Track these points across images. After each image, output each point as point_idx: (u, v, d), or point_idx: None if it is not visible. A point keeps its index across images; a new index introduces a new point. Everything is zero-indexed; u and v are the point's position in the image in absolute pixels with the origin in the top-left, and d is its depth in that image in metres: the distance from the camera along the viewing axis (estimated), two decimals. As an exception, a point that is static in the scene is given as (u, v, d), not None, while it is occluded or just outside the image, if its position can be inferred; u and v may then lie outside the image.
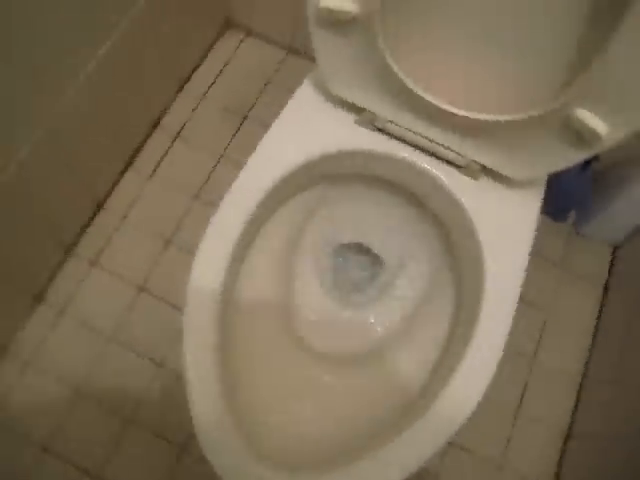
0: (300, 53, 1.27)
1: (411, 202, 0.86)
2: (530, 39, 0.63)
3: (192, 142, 1.19)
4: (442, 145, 0.76)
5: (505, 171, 0.75)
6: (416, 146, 0.77)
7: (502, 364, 0.67)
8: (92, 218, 1.11)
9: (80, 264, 1.07)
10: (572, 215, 1.20)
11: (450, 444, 1.00)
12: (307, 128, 0.77)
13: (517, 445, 1.02)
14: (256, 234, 0.77)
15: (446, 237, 0.84)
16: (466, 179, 0.78)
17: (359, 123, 0.78)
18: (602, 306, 1.16)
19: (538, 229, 0.77)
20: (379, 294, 0.91)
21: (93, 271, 1.07)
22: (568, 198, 1.12)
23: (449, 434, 0.63)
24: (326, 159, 0.77)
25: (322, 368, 0.81)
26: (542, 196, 0.79)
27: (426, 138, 0.76)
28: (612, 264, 1.20)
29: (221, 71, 1.27)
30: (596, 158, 1.07)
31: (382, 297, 0.90)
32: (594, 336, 1.13)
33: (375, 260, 0.93)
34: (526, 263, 0.73)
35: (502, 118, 0.68)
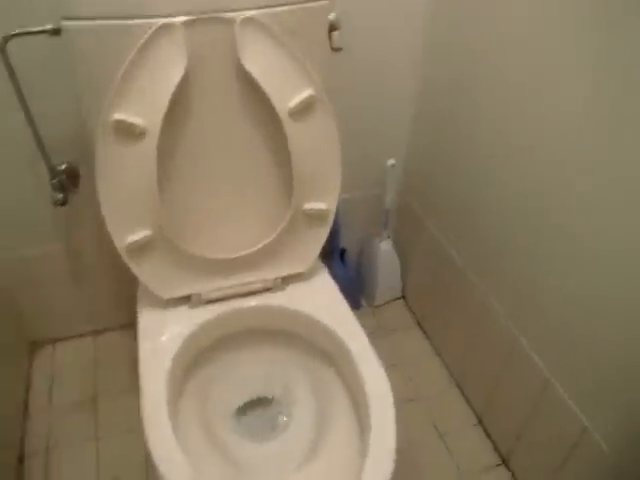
0: (103, 331, 1.51)
1: (269, 338, 1.11)
2: (252, 196, 1.01)
3: (61, 447, 1.29)
4: (252, 282, 1.06)
5: (295, 270, 1.08)
6: (238, 295, 1.06)
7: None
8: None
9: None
10: (363, 299, 1.59)
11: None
12: (163, 330, 1.00)
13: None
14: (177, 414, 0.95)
15: (306, 344, 1.08)
16: (279, 293, 1.08)
17: (193, 307, 1.04)
18: (425, 333, 1.51)
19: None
20: (284, 425, 1.10)
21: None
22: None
23: None
24: (188, 341, 1.00)
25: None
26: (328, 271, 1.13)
27: (240, 285, 1.05)
28: (409, 306, 1.58)
29: (52, 381, 1.42)
30: (344, 251, 1.49)
31: (287, 426, 1.09)
32: (439, 355, 1.46)
33: (267, 401, 1.14)
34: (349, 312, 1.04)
35: (268, 240, 1.02)
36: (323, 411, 1.05)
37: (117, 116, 0.85)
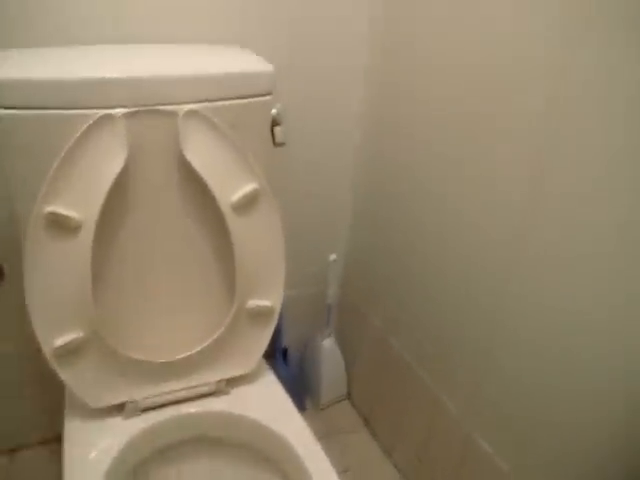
0: (22, 448, 1.34)
1: (213, 448, 1.01)
2: (193, 293, 0.96)
3: None
4: (193, 387, 0.98)
5: (239, 372, 1.01)
6: (178, 401, 0.97)
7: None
8: None
9: None
10: (308, 400, 1.52)
11: None
12: (92, 445, 0.89)
13: None
14: None
15: (254, 453, 0.98)
16: (223, 397, 1.00)
17: (127, 416, 0.95)
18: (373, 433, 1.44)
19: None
20: None
21: None
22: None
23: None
24: (120, 457, 0.89)
25: None
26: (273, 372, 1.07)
27: (180, 390, 0.97)
28: (355, 406, 1.52)
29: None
30: (286, 350, 1.44)
31: None
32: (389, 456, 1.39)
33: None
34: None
35: (210, 341, 0.96)
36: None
37: (50, 208, 0.80)
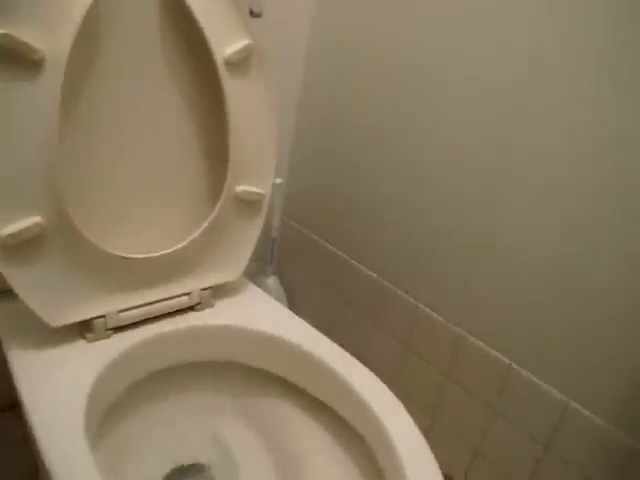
0: None
1: (203, 376, 0.84)
2: (175, 173, 0.78)
3: None
4: (170, 297, 0.80)
5: (224, 278, 0.85)
6: (154, 317, 0.78)
7: None
8: None
9: None
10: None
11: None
12: (59, 384, 0.67)
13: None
14: None
15: (257, 378, 0.83)
16: (210, 312, 0.83)
17: (93, 339, 0.74)
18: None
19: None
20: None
21: None
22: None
23: None
24: (95, 393, 0.67)
25: None
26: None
27: (157, 301, 0.78)
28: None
29: None
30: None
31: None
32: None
33: (200, 469, 0.84)
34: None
35: (196, 234, 0.79)
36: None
37: (4, 30, 0.58)
